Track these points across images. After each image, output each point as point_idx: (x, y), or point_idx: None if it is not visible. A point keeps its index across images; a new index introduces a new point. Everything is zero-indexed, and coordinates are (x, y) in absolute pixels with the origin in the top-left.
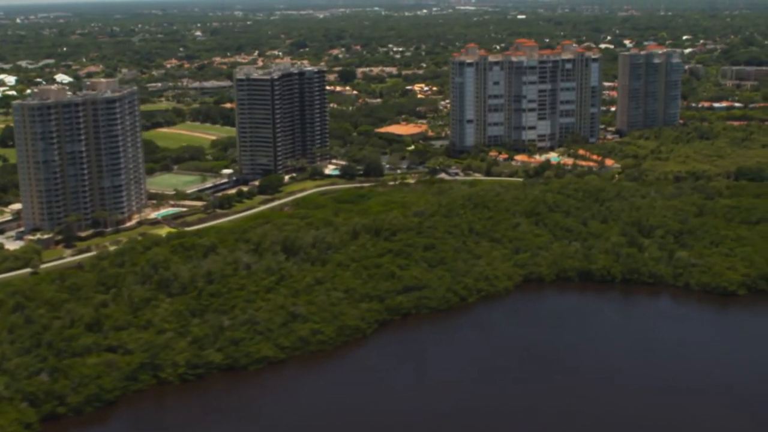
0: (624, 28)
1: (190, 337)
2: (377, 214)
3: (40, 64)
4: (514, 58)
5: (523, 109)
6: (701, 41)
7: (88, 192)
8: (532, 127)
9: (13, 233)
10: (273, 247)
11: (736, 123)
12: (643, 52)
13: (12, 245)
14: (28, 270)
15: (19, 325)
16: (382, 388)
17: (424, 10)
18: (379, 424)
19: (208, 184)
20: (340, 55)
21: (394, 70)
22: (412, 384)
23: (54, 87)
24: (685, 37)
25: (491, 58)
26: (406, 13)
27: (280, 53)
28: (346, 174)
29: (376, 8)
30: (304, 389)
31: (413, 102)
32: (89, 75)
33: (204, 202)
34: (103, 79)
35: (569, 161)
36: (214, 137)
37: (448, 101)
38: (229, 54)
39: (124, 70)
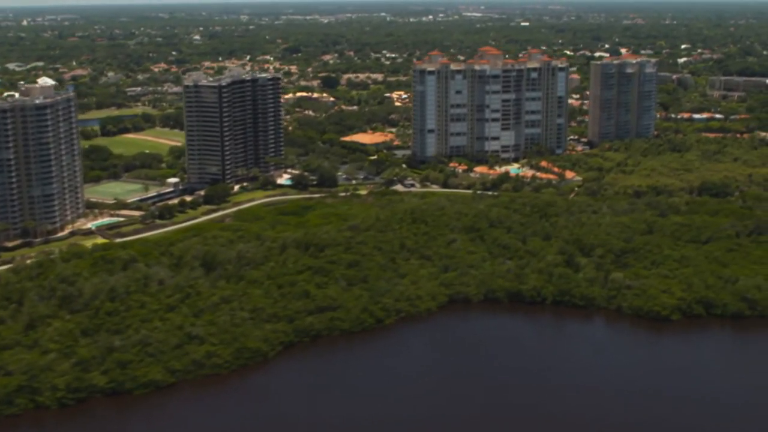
0: (624, 36)
1: (75, 359)
2: (314, 228)
3: (29, 66)
4: (477, 67)
5: (486, 119)
6: (698, 50)
7: (17, 201)
8: (496, 138)
9: None
10: (192, 261)
11: (712, 135)
12: (616, 62)
13: None
14: None
15: None
16: (271, 416)
17: (430, 16)
18: None
19: (152, 193)
20: (331, 61)
21: (380, 77)
22: (303, 414)
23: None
24: (683, 46)
25: (453, 67)
26: (411, 20)
27: (271, 58)
28: (298, 184)
29: (383, 14)
30: (189, 416)
31: (389, 110)
32: (74, 78)
33: (143, 212)
34: (38, 85)
35: (530, 173)
36: (179, 143)
37: None
38: (220, 59)
39: (110, 74)
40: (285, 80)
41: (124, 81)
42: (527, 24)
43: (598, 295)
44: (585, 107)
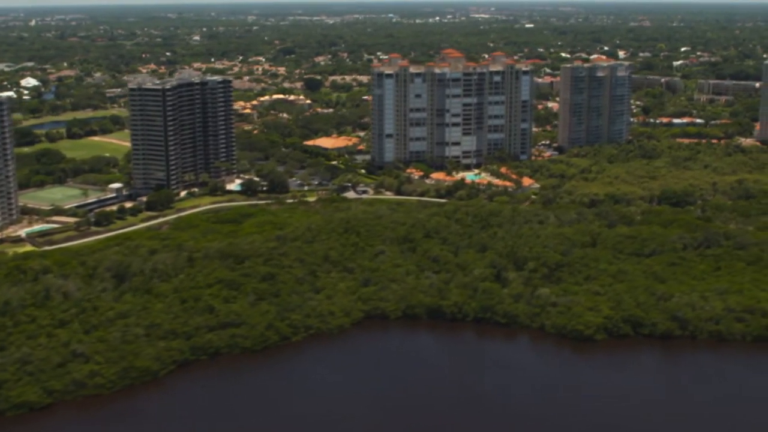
0: (625, 38)
1: None
2: (244, 236)
3: (18, 67)
4: (437, 70)
5: (446, 124)
6: (697, 53)
7: None
8: (457, 143)
9: None
10: (104, 273)
11: (687, 141)
12: (586, 65)
13: None
14: None
15: None
16: None
17: (437, 18)
18: None
19: (92, 199)
20: (323, 62)
21: (366, 79)
22: None
23: None
24: (683, 49)
25: (412, 69)
26: (417, 21)
27: (263, 59)
28: (248, 190)
29: (391, 15)
30: None
31: (363, 113)
32: (60, 79)
33: (79, 219)
34: None
35: (489, 180)
36: None
37: None
38: (212, 59)
39: (98, 74)
40: (269, 82)
41: (107, 82)
42: (532, 26)
43: (521, 313)
44: None
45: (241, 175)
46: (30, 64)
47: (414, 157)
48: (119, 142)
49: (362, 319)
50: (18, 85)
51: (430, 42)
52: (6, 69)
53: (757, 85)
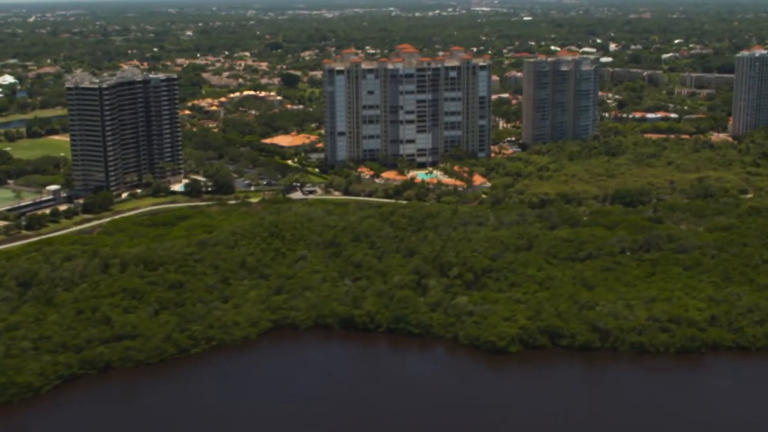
0: (621, 31)
1: None
2: (168, 241)
3: (0, 63)
4: (390, 66)
5: (400, 121)
6: (690, 45)
7: None
8: (411, 141)
9: None
10: (9, 282)
11: (655, 136)
12: (550, 59)
13: None
14: None
15: None
16: None
17: (437, 11)
18: None
19: (26, 201)
20: (308, 57)
21: None
22: None
23: None
24: (676, 41)
25: (365, 65)
26: (417, 14)
27: (248, 54)
28: (193, 191)
29: (391, 9)
30: None
31: None
32: (39, 76)
33: (9, 222)
34: None
35: (439, 180)
36: None
37: None
38: (198, 55)
39: (78, 71)
40: (247, 78)
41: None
42: (530, 18)
43: (436, 323)
44: None
45: (189, 176)
46: (13, 60)
47: (368, 155)
48: None
49: (270, 329)
50: None
51: (421, 36)
52: None
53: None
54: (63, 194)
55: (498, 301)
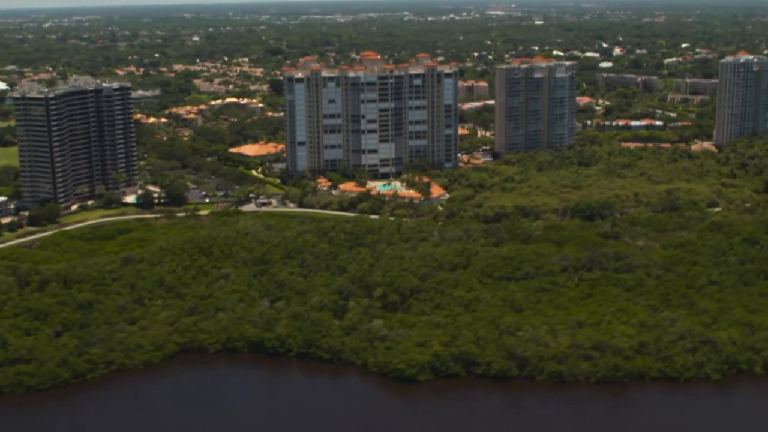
0: (629, 35)
1: None
2: (101, 256)
3: None
4: (351, 74)
5: (362, 131)
6: (696, 50)
7: None
8: (373, 151)
9: None
10: None
11: (634, 145)
12: (523, 66)
13: None
14: None
15: None
16: None
17: (452, 15)
18: None
19: None
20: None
21: None
22: None
23: None
24: (684, 45)
25: (325, 73)
26: (430, 18)
27: (246, 60)
28: (145, 203)
29: (405, 13)
30: None
31: None
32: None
33: None
34: None
35: (395, 191)
36: None
37: None
38: (198, 61)
39: (73, 77)
40: (238, 84)
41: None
42: (541, 23)
43: (347, 348)
44: None
45: (145, 186)
46: (11, 67)
47: (329, 165)
48: None
49: (177, 352)
50: None
51: (426, 41)
52: None
53: None
54: (10, 206)
55: (416, 324)
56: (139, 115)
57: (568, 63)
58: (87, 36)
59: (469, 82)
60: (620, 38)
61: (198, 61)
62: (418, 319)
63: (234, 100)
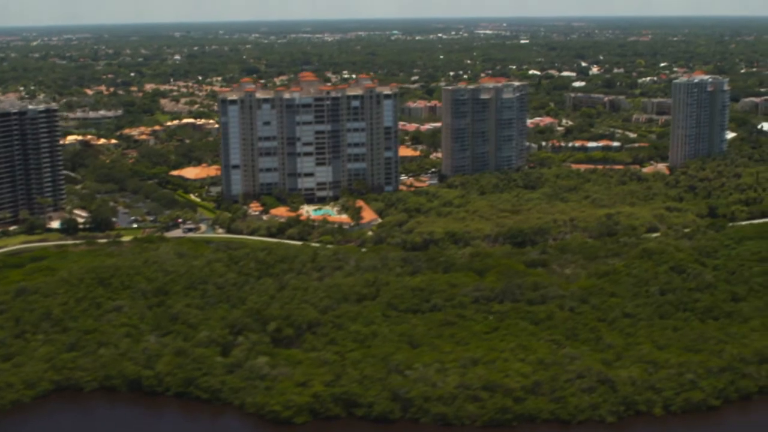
0: (611, 54)
1: None
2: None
3: None
4: (286, 95)
5: (298, 153)
6: (674, 69)
7: None
8: (310, 174)
9: None
10: None
11: (584, 167)
12: (470, 87)
13: None
14: None
15: None
16: None
17: (440, 34)
18: None
19: None
20: (279, 82)
21: None
22: None
23: None
24: (662, 64)
25: (260, 95)
26: (418, 38)
27: (219, 79)
28: (69, 228)
29: (395, 32)
30: None
31: None
32: None
33: None
34: None
35: (325, 216)
36: None
37: None
38: (172, 80)
39: (41, 96)
40: (204, 104)
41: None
42: (527, 41)
43: (226, 387)
44: None
45: (73, 211)
46: None
47: (265, 189)
48: None
49: (51, 391)
50: None
51: (405, 60)
52: None
53: None
54: None
55: (302, 362)
56: (89, 137)
57: (517, 83)
58: (69, 55)
59: (433, 103)
60: (601, 57)
61: (172, 80)
62: (306, 356)
63: (190, 120)
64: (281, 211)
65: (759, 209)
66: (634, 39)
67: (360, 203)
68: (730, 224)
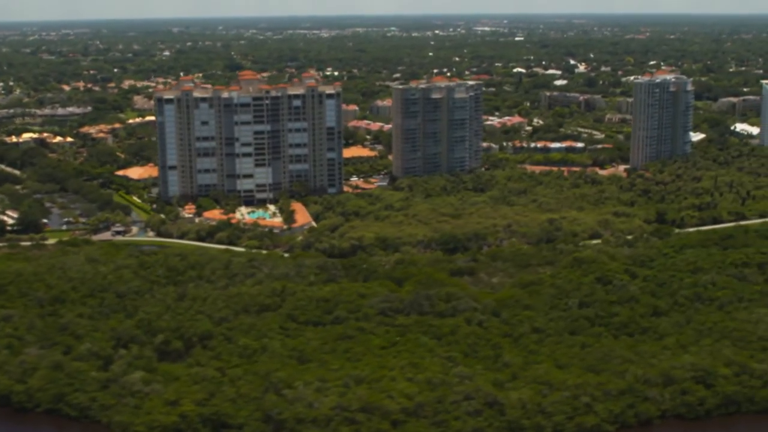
0: (603, 52)
1: None
2: None
3: None
4: (224, 95)
5: (236, 154)
6: (662, 67)
7: None
8: (249, 176)
9: None
10: None
11: (539, 169)
12: (421, 86)
13: None
14: None
15: None
16: None
17: (437, 31)
18: None
19: None
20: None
21: None
22: None
23: None
24: (652, 62)
25: (197, 94)
26: (414, 34)
27: (200, 76)
28: None
29: (393, 28)
30: None
31: None
32: None
33: None
34: None
35: (265, 220)
36: None
37: None
38: (153, 76)
39: (17, 92)
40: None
41: (12, 100)
42: (521, 39)
43: (96, 405)
44: None
45: (4, 212)
46: None
47: (203, 191)
48: None
49: None
50: None
51: (392, 57)
52: None
53: None
54: None
55: (179, 378)
56: (45, 135)
57: (470, 83)
58: (59, 50)
59: None
60: (591, 55)
61: (152, 76)
62: (186, 371)
63: (152, 118)
64: (215, 214)
65: (711, 215)
66: (631, 37)
67: (295, 206)
68: (677, 231)
